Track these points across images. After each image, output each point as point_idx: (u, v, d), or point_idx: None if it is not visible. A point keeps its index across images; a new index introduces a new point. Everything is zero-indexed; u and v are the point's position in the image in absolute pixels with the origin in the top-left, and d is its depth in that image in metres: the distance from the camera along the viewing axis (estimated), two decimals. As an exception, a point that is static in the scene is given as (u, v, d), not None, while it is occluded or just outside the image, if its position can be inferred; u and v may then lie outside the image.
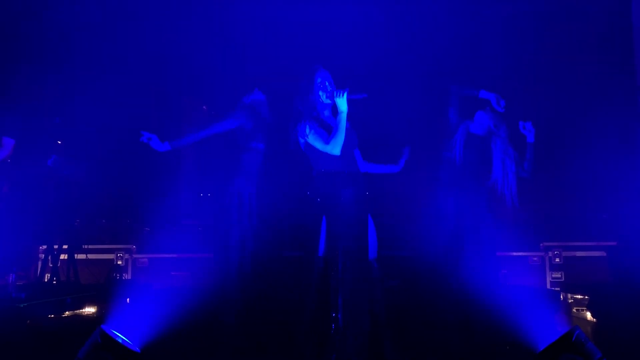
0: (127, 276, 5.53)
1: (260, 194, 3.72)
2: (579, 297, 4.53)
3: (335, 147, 3.23)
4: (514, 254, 5.47)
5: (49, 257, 5.09)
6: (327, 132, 3.28)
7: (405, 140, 3.66)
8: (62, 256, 5.13)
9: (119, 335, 2.81)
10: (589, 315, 4.32)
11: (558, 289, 5.03)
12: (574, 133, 5.86)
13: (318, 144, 3.27)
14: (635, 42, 5.69)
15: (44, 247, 5.22)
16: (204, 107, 6.85)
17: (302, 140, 3.31)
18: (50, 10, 5.81)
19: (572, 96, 5.93)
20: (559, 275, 5.42)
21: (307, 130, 3.31)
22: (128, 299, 4.56)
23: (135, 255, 5.61)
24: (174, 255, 5.52)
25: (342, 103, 3.19)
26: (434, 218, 3.69)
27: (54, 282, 4.96)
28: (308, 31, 5.90)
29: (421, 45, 5.79)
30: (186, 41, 6.03)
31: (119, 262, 5.54)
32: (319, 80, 3.33)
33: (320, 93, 3.34)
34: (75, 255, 5.16)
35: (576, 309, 4.50)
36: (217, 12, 6.08)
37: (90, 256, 5.41)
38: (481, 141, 3.93)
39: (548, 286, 5.39)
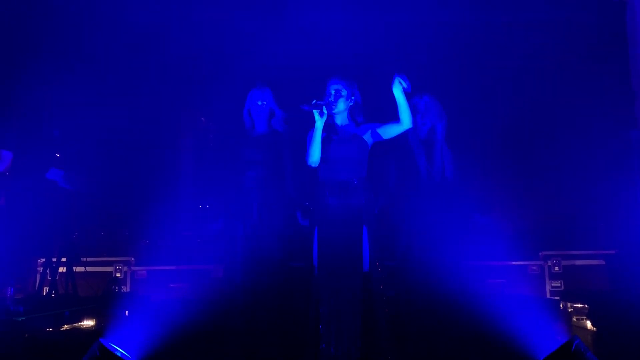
0: (126, 288, 5.51)
1: (267, 204, 3.71)
2: (579, 306, 4.52)
3: (308, 158, 3.30)
4: (513, 263, 5.47)
5: (48, 270, 5.07)
6: (326, 139, 3.31)
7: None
8: (61, 269, 5.11)
9: (118, 348, 2.81)
10: (589, 324, 4.31)
11: (557, 297, 5.02)
12: (571, 141, 5.88)
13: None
14: (630, 48, 5.72)
15: (42, 259, 5.20)
16: (202, 118, 6.87)
17: None
18: (48, 22, 5.83)
19: (568, 104, 5.95)
20: (559, 284, 5.41)
21: (307, 139, 3.36)
22: (127, 312, 4.54)
23: (133, 268, 5.59)
24: (173, 267, 5.51)
25: (315, 115, 3.23)
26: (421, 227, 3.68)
27: (53, 295, 4.94)
28: (312, 40, 5.94)
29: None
30: (185, 54, 6.06)
31: (118, 275, 5.53)
32: (328, 88, 3.37)
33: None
34: (74, 267, 5.14)
35: (576, 318, 4.49)
36: (216, 24, 6.11)
37: (88, 269, 5.38)
38: (427, 144, 3.87)
39: (547, 295, 5.38)
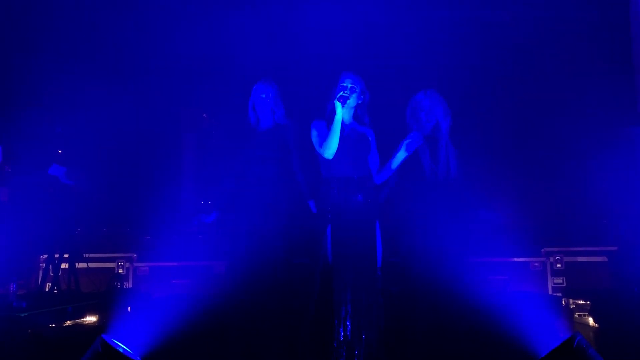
0: (128, 285, 5.52)
1: (271, 201, 3.70)
2: (581, 302, 4.51)
3: (325, 151, 3.26)
4: (515, 259, 5.46)
5: (50, 266, 5.08)
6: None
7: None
8: (63, 265, 5.12)
9: (120, 344, 2.81)
10: (591, 320, 4.31)
11: (560, 294, 5.01)
12: (574, 138, 5.87)
13: (316, 146, 3.31)
14: (633, 44, 5.71)
15: (45, 256, 5.22)
16: (204, 115, 6.86)
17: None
18: (51, 20, 5.83)
19: (571, 102, 5.94)
20: (561, 281, 5.41)
21: (311, 131, 3.35)
22: (129, 308, 4.55)
23: (136, 264, 5.60)
24: (175, 264, 5.51)
25: (337, 106, 3.21)
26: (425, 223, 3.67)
27: (55, 291, 4.95)
28: (314, 37, 5.93)
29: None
30: (187, 50, 6.05)
31: (120, 271, 5.53)
32: (341, 82, 3.37)
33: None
34: (76, 264, 5.15)
35: (578, 315, 4.48)
36: (218, 20, 6.10)
37: (91, 265, 5.39)
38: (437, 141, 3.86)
39: (550, 292, 5.38)
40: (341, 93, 3.22)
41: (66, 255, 5.12)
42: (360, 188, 3.28)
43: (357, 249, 3.19)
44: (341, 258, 3.19)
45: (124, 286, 5.46)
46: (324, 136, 3.29)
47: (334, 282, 3.17)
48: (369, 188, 3.31)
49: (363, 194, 3.28)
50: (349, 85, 3.34)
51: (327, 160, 3.30)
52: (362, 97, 3.41)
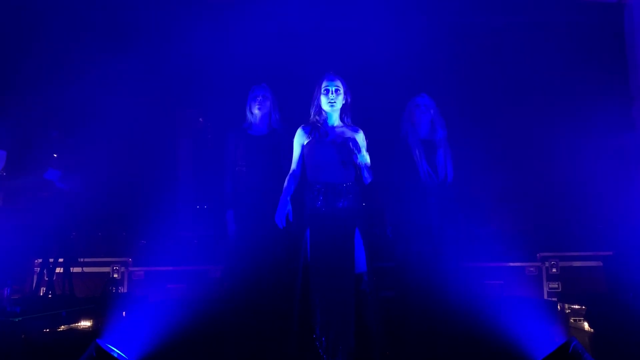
0: (123, 289, 5.50)
1: (269, 205, 3.69)
2: (576, 307, 4.52)
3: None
4: (511, 264, 5.47)
5: (45, 271, 5.05)
6: (316, 140, 3.33)
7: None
8: (58, 269, 5.10)
9: (115, 349, 2.80)
10: (586, 325, 4.31)
11: (555, 299, 5.02)
12: (569, 143, 5.88)
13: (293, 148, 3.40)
14: (628, 52, 5.73)
15: (40, 260, 5.19)
16: (200, 119, 6.86)
17: None
18: (47, 23, 5.83)
19: (565, 107, 5.95)
20: (556, 286, 5.42)
21: (296, 134, 3.41)
22: (124, 313, 4.53)
23: (131, 268, 5.58)
24: (170, 268, 5.50)
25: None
26: (419, 227, 3.67)
27: (50, 296, 4.92)
28: (309, 40, 5.94)
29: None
30: (183, 54, 6.05)
31: (115, 275, 5.51)
32: (323, 84, 3.38)
33: (322, 97, 3.38)
34: (71, 268, 5.13)
35: (573, 319, 4.49)
36: (213, 22, 6.11)
37: (86, 269, 5.37)
38: (433, 145, 3.86)
39: (545, 296, 5.38)
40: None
41: (61, 260, 5.10)
42: (344, 194, 3.28)
43: (333, 252, 3.19)
44: (317, 261, 3.19)
45: (119, 291, 5.43)
46: (302, 145, 3.37)
47: (310, 283, 3.18)
48: (353, 194, 3.30)
49: (346, 200, 3.28)
50: (334, 88, 3.36)
51: (313, 164, 3.32)
52: (346, 98, 3.42)
